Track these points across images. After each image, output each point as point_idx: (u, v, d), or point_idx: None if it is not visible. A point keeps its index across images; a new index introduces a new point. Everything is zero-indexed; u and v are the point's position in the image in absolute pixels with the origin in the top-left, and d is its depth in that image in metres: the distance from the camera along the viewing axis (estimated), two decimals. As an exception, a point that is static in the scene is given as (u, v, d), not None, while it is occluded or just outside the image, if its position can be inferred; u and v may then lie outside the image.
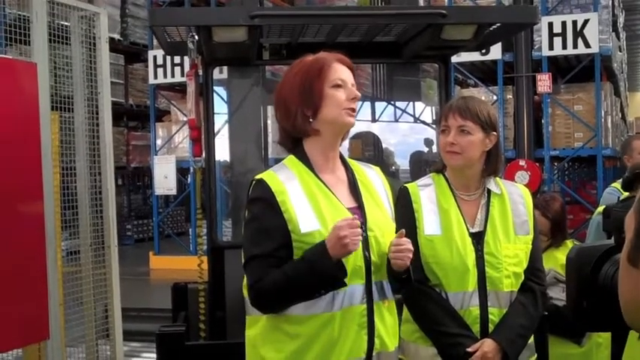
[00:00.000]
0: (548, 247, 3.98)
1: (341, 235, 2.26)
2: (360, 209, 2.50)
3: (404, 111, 5.87)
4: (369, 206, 2.52)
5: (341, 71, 2.52)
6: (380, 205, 2.58)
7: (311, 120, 2.49)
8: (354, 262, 2.40)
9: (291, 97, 2.51)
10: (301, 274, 2.33)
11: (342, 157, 2.63)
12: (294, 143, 2.57)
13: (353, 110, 2.49)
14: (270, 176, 2.46)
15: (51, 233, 4.17)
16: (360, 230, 2.31)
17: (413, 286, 2.72)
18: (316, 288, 2.35)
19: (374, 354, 2.44)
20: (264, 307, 2.45)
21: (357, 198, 2.53)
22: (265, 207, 2.41)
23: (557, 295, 3.82)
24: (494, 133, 2.90)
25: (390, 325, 2.51)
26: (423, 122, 5.78)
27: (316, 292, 2.35)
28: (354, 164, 2.66)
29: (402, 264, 2.41)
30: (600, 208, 4.74)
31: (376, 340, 2.44)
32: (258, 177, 2.48)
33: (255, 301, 2.44)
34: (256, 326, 2.50)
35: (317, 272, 2.31)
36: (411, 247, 2.42)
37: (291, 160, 2.54)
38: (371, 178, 2.64)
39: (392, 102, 5.64)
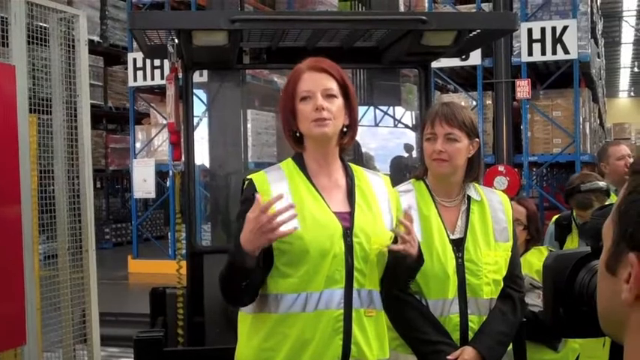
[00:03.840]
0: (524, 252, 4.00)
1: (260, 223, 2.26)
2: (350, 215, 2.50)
3: (386, 113, 5.88)
4: (360, 212, 2.52)
5: (308, 81, 2.50)
6: (374, 212, 2.56)
7: (298, 135, 2.54)
8: (332, 266, 2.42)
9: (281, 117, 2.59)
10: (226, 268, 2.40)
11: (344, 162, 2.63)
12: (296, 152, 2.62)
13: (322, 120, 2.46)
14: (258, 176, 2.52)
15: (28, 237, 4.14)
16: (282, 217, 2.27)
17: (392, 294, 2.73)
18: (239, 280, 2.38)
19: None
20: (225, 299, 2.55)
21: (350, 204, 2.54)
22: (248, 207, 2.42)
23: (533, 301, 3.84)
24: (477, 139, 2.93)
25: (372, 334, 2.50)
26: (405, 126, 5.79)
27: (240, 283, 2.39)
28: (358, 171, 2.66)
29: (412, 252, 2.46)
30: (554, 218, 4.82)
31: (353, 347, 2.44)
32: (249, 177, 2.55)
33: (224, 298, 2.54)
34: (244, 323, 2.55)
35: (233, 264, 2.36)
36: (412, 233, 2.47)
37: (287, 162, 2.59)
38: (373, 185, 2.63)
39: (372, 106, 5.65)
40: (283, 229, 2.27)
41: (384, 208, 2.60)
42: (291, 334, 2.41)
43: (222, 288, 2.46)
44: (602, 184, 4.35)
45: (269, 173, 2.53)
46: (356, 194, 2.55)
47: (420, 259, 2.57)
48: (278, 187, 2.46)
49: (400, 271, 2.57)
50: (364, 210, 2.53)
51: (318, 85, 2.49)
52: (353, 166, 2.66)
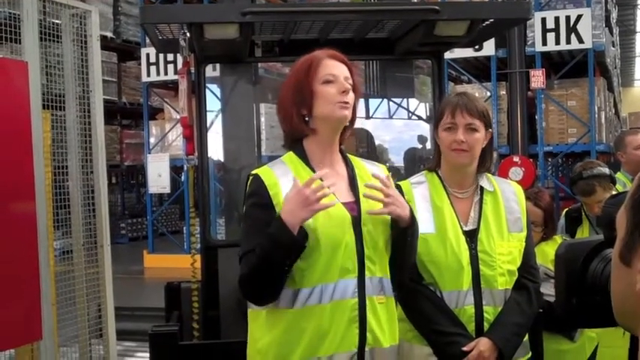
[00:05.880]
0: (539, 241, 3.98)
1: (303, 196, 2.30)
2: (356, 203, 2.51)
3: (399, 105, 5.87)
4: (365, 201, 2.52)
5: (331, 66, 2.52)
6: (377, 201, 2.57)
7: (307, 119, 2.52)
8: (344, 256, 2.43)
9: (287, 99, 2.56)
10: (267, 250, 2.36)
11: (343, 153, 2.64)
12: (294, 143, 2.59)
13: (346, 103, 2.49)
14: (265, 171, 2.50)
15: (43, 233, 4.15)
16: (323, 190, 2.32)
17: (407, 285, 2.73)
18: (279, 259, 2.36)
19: (366, 349, 2.46)
20: (250, 295, 2.50)
21: (354, 193, 2.54)
22: (257, 202, 2.47)
23: (548, 291, 3.81)
24: (490, 130, 2.92)
25: (385, 321, 2.52)
26: (419, 117, 5.78)
27: (284, 264, 2.37)
28: (356, 160, 2.67)
29: (399, 212, 2.44)
30: (564, 210, 4.79)
31: (368, 335, 2.46)
32: (253, 172, 2.54)
33: (243, 293, 2.49)
34: (257, 320, 2.54)
35: (275, 243, 2.34)
36: (393, 191, 2.44)
37: (289, 156, 2.58)
38: (373, 174, 2.63)
39: (385, 98, 5.63)
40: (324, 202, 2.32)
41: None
42: (309, 327, 2.41)
43: (254, 283, 2.42)
44: (604, 170, 4.31)
45: (274, 167, 2.53)
46: (358, 183, 2.56)
47: (413, 222, 2.54)
48: (285, 180, 2.46)
49: (403, 248, 2.55)
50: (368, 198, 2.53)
51: (341, 72, 2.53)
52: (350, 156, 2.68)
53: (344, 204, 2.49)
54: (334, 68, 2.52)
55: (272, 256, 2.36)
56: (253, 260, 2.39)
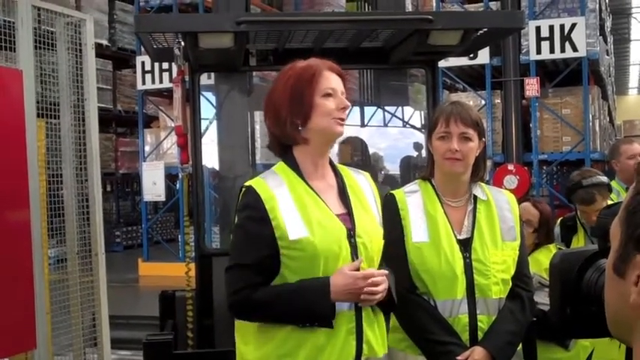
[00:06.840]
0: (533, 249, 3.98)
1: (356, 287, 2.35)
2: (349, 215, 2.51)
3: (393, 115, 5.87)
4: (358, 212, 2.53)
5: (331, 80, 2.51)
6: (368, 211, 2.58)
7: (300, 128, 2.50)
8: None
9: (281, 104, 2.51)
10: (294, 302, 2.36)
11: (331, 163, 2.63)
12: (282, 149, 2.58)
13: (342, 119, 2.50)
14: (259, 183, 2.47)
15: (37, 241, 4.15)
16: (380, 287, 2.39)
17: (401, 295, 2.73)
18: (302, 319, 2.38)
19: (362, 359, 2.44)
20: (243, 316, 2.49)
21: (346, 204, 2.54)
22: (253, 215, 2.43)
23: (542, 299, 3.82)
24: (484, 139, 2.93)
25: (378, 331, 2.52)
26: (412, 126, 5.78)
27: (300, 321, 2.38)
28: (344, 170, 2.67)
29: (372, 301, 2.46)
30: (559, 219, 4.80)
31: (364, 346, 2.45)
32: (247, 184, 2.50)
33: (234, 309, 2.47)
34: (247, 331, 2.51)
35: (310, 308, 2.35)
36: (380, 279, 2.43)
37: (280, 166, 2.56)
38: (360, 183, 2.64)
39: (379, 107, 5.63)
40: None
41: (373, 205, 2.63)
42: (307, 340, 2.40)
43: (250, 309, 2.43)
44: (603, 179, 4.33)
45: (267, 179, 2.50)
46: (349, 194, 2.56)
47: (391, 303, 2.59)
48: (279, 192, 2.44)
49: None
50: (360, 210, 2.55)
51: (339, 86, 2.52)
52: (339, 165, 2.68)
53: (337, 216, 2.48)
54: (333, 81, 2.51)
55: (292, 305, 2.38)
56: (271, 296, 2.39)
